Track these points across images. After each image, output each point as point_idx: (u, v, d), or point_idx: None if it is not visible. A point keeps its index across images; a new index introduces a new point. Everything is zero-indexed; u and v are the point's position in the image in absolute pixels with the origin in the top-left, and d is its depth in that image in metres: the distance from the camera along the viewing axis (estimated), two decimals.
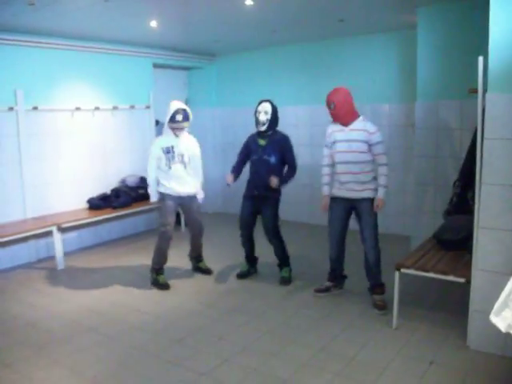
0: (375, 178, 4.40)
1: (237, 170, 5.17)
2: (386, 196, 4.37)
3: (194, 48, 7.72)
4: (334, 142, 4.43)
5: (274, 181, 4.81)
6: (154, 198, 5.18)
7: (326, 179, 4.60)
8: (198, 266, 5.51)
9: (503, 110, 3.25)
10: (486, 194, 3.38)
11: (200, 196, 5.25)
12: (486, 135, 3.33)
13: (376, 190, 4.38)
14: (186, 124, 4.96)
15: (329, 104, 4.34)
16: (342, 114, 4.33)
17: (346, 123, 4.37)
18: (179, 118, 4.88)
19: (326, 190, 4.57)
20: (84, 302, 4.76)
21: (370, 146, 4.32)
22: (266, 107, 4.90)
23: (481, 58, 3.27)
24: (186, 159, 5.04)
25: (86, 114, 6.70)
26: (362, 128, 4.33)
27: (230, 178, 5.10)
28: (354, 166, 4.33)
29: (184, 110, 4.92)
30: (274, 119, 4.94)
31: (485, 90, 3.33)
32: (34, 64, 5.99)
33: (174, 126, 4.92)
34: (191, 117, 5.01)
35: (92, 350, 3.79)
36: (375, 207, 4.34)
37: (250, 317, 4.32)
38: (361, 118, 4.41)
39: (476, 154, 3.44)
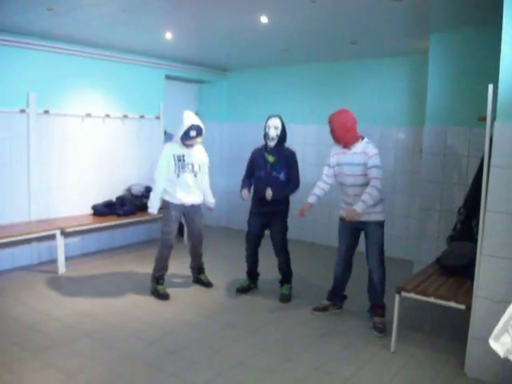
0: (382, 200, 4.41)
1: (248, 185, 5.10)
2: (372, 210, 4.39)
3: (207, 62, 7.80)
4: (338, 165, 4.44)
5: (269, 193, 4.80)
6: (154, 209, 5.06)
7: (315, 189, 4.62)
8: (199, 277, 5.51)
9: (511, 138, 3.26)
10: (490, 222, 3.37)
11: (211, 203, 5.32)
12: (492, 163, 3.33)
13: (383, 213, 4.41)
14: (199, 139, 4.99)
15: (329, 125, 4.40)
16: (337, 136, 4.36)
17: (344, 145, 4.39)
18: (193, 134, 4.89)
19: (310, 198, 4.60)
20: (82, 308, 4.75)
21: (367, 168, 4.27)
22: (276, 122, 4.90)
23: (491, 86, 3.29)
24: (196, 168, 5.05)
25: (97, 120, 6.76)
26: (362, 150, 4.32)
27: (246, 193, 5.02)
28: (358, 188, 4.33)
29: (198, 126, 4.91)
30: (284, 135, 4.95)
31: (494, 119, 3.35)
32: (47, 68, 6.06)
33: (188, 142, 4.93)
34: (204, 132, 5.02)
35: (87, 355, 3.79)
36: (347, 214, 4.24)
37: (248, 332, 4.31)
38: (365, 140, 4.39)
39: (482, 181, 3.45)
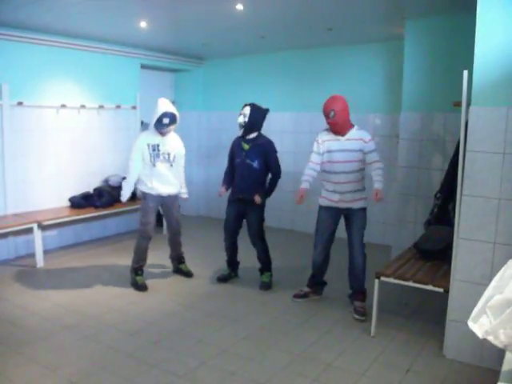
0: (364, 188, 4.48)
1: (228, 181, 5.17)
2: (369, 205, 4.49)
3: (183, 50, 7.73)
4: (329, 152, 4.39)
5: (257, 199, 4.88)
6: (124, 197, 5.08)
7: (306, 176, 4.46)
8: (179, 267, 5.50)
9: (486, 123, 3.31)
10: (466, 206, 3.43)
11: (184, 195, 5.29)
12: (468, 148, 3.38)
13: (367, 199, 4.47)
14: (172, 127, 4.95)
15: (327, 112, 4.27)
16: (341, 122, 4.31)
17: (343, 133, 4.37)
18: (166, 121, 4.85)
19: (304, 184, 4.44)
20: (62, 301, 4.72)
21: (365, 154, 4.36)
22: (245, 110, 4.91)
23: (465, 72, 3.33)
24: (171, 158, 5.02)
25: (72, 111, 6.65)
26: (358, 137, 4.36)
27: (222, 190, 5.15)
28: (350, 175, 4.36)
29: (171, 114, 4.87)
30: (253, 122, 4.91)
31: (469, 104, 3.39)
32: (20, 59, 5.93)
33: (161, 130, 4.89)
34: (178, 119, 4.99)
35: (69, 348, 3.76)
36: (376, 197, 4.22)
37: (230, 320, 4.32)
38: (356, 127, 4.43)
39: (458, 166, 3.49)
